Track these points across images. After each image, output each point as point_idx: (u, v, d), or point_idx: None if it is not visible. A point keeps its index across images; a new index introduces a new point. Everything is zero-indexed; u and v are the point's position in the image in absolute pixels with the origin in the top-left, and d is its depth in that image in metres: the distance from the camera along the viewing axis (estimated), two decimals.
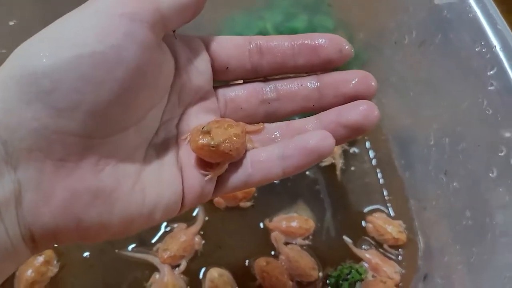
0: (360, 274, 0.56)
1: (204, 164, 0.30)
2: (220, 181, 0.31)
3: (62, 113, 0.23)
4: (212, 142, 0.28)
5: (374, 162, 0.65)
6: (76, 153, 0.24)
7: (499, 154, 0.45)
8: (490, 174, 0.46)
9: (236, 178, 0.31)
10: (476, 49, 0.47)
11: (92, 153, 0.25)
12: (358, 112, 0.30)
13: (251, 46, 0.32)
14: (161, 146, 0.30)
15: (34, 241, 0.24)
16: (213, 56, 0.32)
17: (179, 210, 0.30)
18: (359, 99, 0.31)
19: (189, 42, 0.31)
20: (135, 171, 0.28)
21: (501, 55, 0.44)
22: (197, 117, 0.32)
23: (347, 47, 0.32)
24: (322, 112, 0.32)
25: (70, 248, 0.55)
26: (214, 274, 0.54)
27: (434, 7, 0.52)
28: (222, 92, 0.34)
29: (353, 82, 0.31)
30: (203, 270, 0.55)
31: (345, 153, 0.65)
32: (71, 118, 0.23)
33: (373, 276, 0.56)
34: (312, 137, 0.29)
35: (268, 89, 0.33)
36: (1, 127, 0.22)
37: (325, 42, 0.32)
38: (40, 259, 0.52)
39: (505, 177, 0.45)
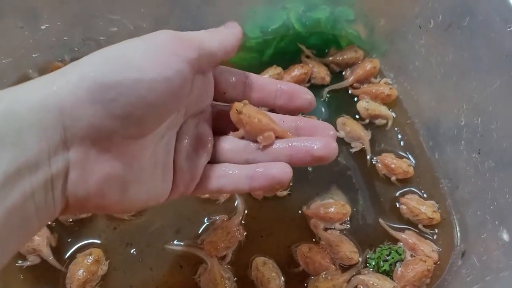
0: (400, 254, 0.57)
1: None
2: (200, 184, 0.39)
3: (115, 118, 0.29)
4: None
5: (402, 144, 0.66)
6: (115, 147, 0.30)
7: None
8: None
9: (211, 184, 0.39)
10: (508, 29, 0.48)
11: (126, 149, 0.31)
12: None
13: (246, 81, 0.41)
14: (163, 148, 0.36)
15: (66, 208, 0.30)
16: (216, 82, 0.40)
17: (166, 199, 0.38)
18: None
19: (205, 71, 0.37)
20: (148, 169, 0.34)
21: None
22: (196, 126, 0.39)
23: (312, 100, 0.42)
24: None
25: (118, 245, 0.56)
26: (259, 263, 0.55)
27: None
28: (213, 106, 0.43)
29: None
30: (248, 259, 0.56)
31: (373, 137, 0.66)
32: (120, 123, 0.29)
33: (411, 255, 0.58)
34: (276, 167, 0.38)
35: None
36: (67, 116, 0.27)
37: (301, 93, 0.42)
38: (90, 258, 0.53)
39: None
